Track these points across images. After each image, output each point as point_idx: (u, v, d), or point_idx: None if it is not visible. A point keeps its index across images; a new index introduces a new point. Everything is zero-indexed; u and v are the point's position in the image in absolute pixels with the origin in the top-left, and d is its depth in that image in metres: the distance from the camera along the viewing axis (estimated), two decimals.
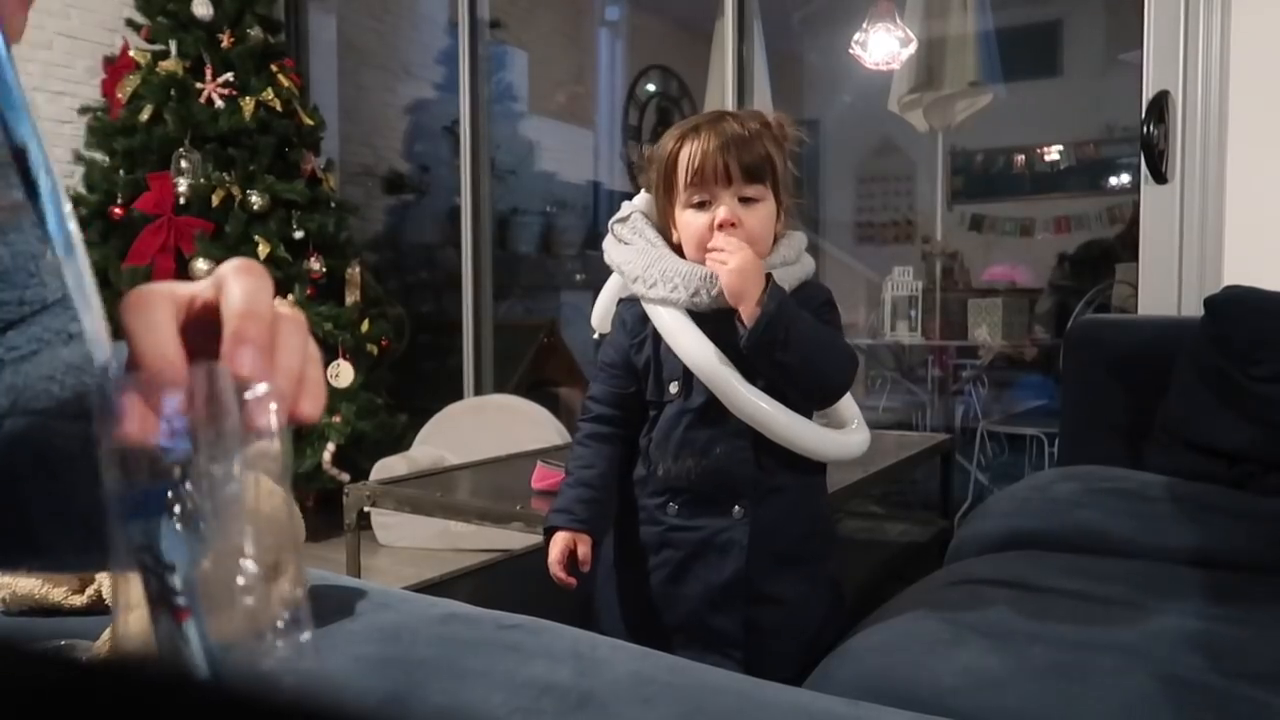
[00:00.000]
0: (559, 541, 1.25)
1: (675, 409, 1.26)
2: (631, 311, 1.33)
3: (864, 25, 3.87)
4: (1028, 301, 4.91)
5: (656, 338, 1.28)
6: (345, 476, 3.07)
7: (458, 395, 3.73)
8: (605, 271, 1.48)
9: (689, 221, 1.26)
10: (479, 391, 3.79)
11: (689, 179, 1.24)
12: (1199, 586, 1.27)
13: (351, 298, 3.43)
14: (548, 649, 0.82)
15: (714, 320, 1.24)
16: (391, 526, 3.22)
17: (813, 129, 6.28)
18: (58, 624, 0.92)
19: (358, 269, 3.48)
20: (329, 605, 0.93)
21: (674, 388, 1.26)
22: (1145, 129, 2.19)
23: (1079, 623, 1.13)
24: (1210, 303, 1.83)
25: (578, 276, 5.54)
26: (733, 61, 3.33)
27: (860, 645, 1.12)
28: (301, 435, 3.19)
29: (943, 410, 4.68)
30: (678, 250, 1.30)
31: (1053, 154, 5.95)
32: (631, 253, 1.31)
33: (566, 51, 6.12)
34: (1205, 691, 0.94)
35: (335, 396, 3.23)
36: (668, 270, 1.26)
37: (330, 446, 3.15)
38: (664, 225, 1.32)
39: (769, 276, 1.20)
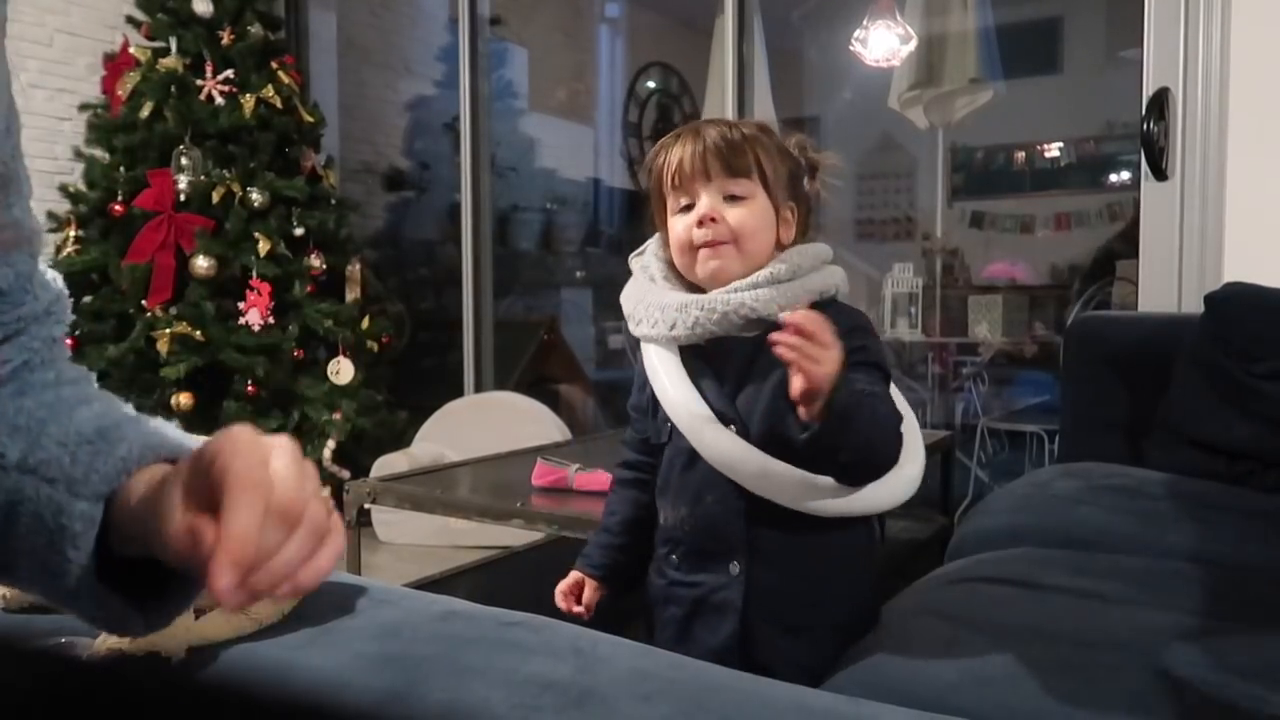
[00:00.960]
0: (573, 575, 1.25)
1: (670, 452, 1.19)
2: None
3: (864, 22, 3.86)
4: (1028, 298, 4.91)
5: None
6: (345, 473, 3.07)
7: (458, 392, 3.73)
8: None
9: (674, 226, 1.17)
10: (479, 388, 3.79)
11: (672, 183, 1.17)
12: (1199, 584, 1.27)
13: (352, 295, 3.43)
14: (548, 646, 0.82)
15: (706, 353, 1.16)
16: (392, 523, 3.22)
17: (813, 126, 6.28)
18: (57, 621, 0.92)
19: (358, 266, 3.48)
20: (329, 602, 0.93)
21: (665, 431, 1.18)
22: (1145, 126, 2.19)
23: (1079, 620, 1.13)
24: (1210, 299, 1.83)
25: (578, 273, 5.54)
26: (733, 58, 3.32)
27: (860, 644, 1.12)
28: (302, 432, 3.19)
29: (943, 407, 4.68)
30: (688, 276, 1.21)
31: (1053, 151, 5.95)
32: (630, 290, 1.24)
33: (567, 48, 6.11)
34: (1205, 688, 0.94)
35: (335, 393, 3.24)
36: (651, 305, 1.18)
37: (330, 443, 3.15)
38: (667, 250, 1.23)
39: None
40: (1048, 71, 5.69)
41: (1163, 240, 2.21)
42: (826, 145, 6.29)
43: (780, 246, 1.17)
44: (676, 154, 1.16)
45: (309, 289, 3.28)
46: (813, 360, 0.96)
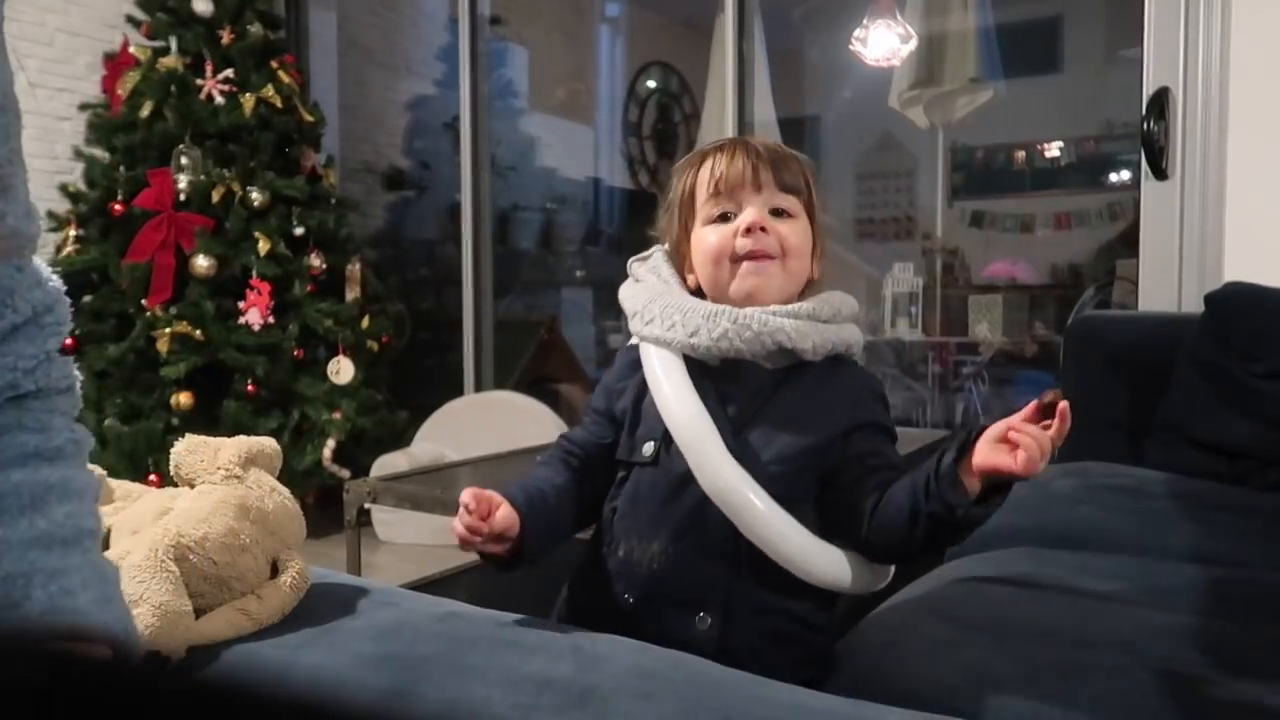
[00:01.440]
0: (491, 493, 1.00)
1: (648, 476, 1.04)
2: (628, 354, 1.13)
3: (864, 21, 3.86)
4: (1028, 298, 4.91)
5: (641, 387, 1.07)
6: (346, 473, 3.07)
7: (458, 392, 3.73)
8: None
9: (705, 236, 1.08)
10: (479, 388, 3.79)
11: (711, 190, 1.07)
12: (1199, 583, 1.27)
13: (352, 294, 3.43)
14: (547, 645, 0.82)
15: (716, 374, 1.05)
16: (392, 523, 3.22)
17: (813, 125, 6.28)
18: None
19: (358, 265, 3.48)
20: (330, 603, 0.93)
21: (648, 449, 1.04)
22: (1145, 125, 2.19)
23: (1079, 620, 1.13)
24: (1210, 299, 1.83)
25: (578, 273, 5.54)
26: (733, 57, 3.33)
27: (860, 643, 1.12)
28: (302, 432, 3.19)
29: (943, 407, 4.68)
30: (696, 295, 1.11)
31: (1053, 150, 5.95)
32: (639, 289, 1.13)
33: (567, 48, 6.11)
34: (1205, 688, 0.94)
35: (336, 393, 3.24)
36: (670, 305, 1.06)
37: (330, 443, 3.15)
38: (681, 269, 1.14)
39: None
40: (1048, 71, 5.69)
41: (1163, 240, 2.21)
42: (827, 145, 6.31)
43: (810, 282, 1.11)
44: (723, 161, 1.08)
45: (309, 288, 3.28)
46: (1045, 452, 0.84)
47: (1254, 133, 2.12)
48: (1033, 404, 0.86)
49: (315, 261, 3.30)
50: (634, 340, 1.12)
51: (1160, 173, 2.19)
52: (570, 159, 5.87)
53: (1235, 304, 1.79)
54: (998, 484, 0.88)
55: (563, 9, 6.05)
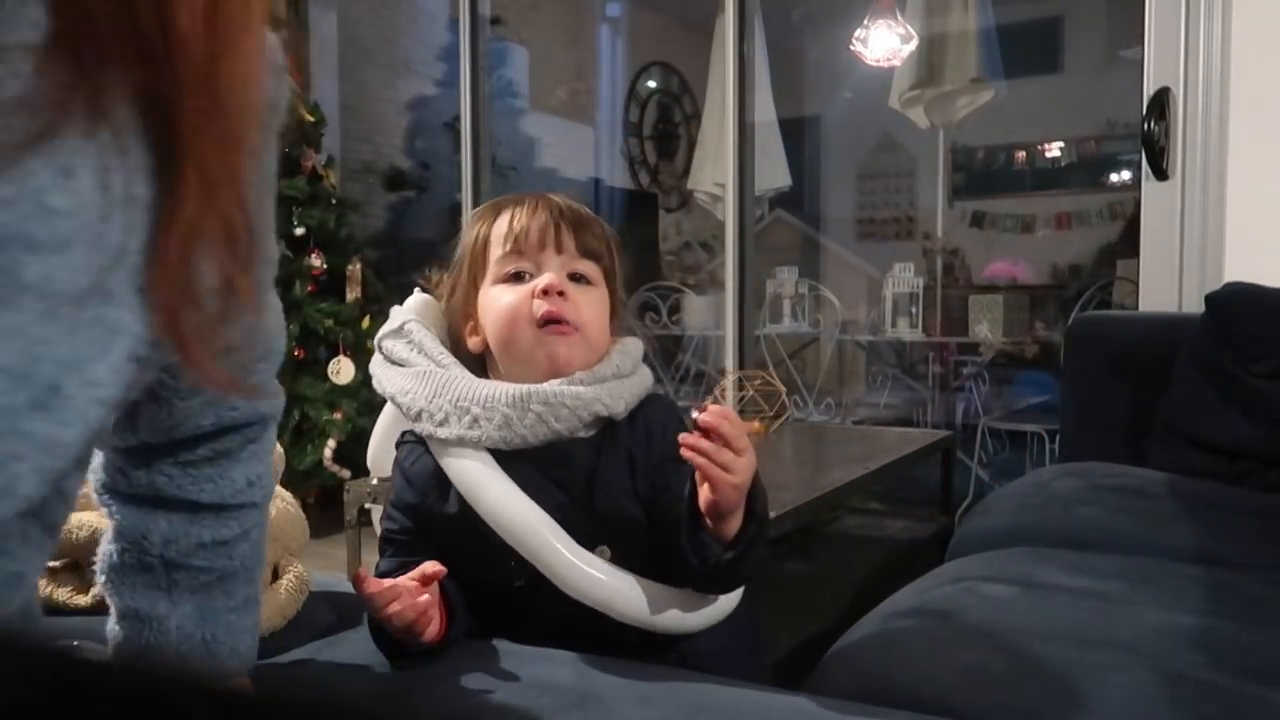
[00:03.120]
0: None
1: (523, 593, 0.92)
2: (416, 458, 0.99)
3: (865, 21, 3.87)
4: (1028, 298, 4.91)
5: (460, 502, 0.94)
6: (346, 473, 3.07)
7: None
8: None
9: (499, 295, 0.99)
10: None
11: (508, 247, 0.99)
12: (1200, 583, 1.27)
13: (352, 294, 3.43)
14: (547, 653, 0.82)
15: (531, 457, 0.95)
16: None
17: (813, 125, 6.28)
18: (58, 624, 0.92)
19: (358, 265, 3.48)
20: (329, 609, 0.93)
21: (515, 575, 0.92)
22: (1146, 125, 2.18)
23: (1080, 620, 1.13)
24: (1211, 299, 1.83)
25: None
26: (733, 57, 3.32)
27: (860, 643, 1.12)
28: (302, 432, 3.19)
29: (943, 407, 4.68)
30: (476, 366, 1.02)
31: (1053, 150, 5.95)
32: (410, 377, 0.99)
33: (567, 48, 6.11)
34: (1206, 688, 0.94)
35: (336, 393, 3.24)
36: (462, 395, 0.95)
37: (331, 443, 3.16)
38: (457, 327, 1.05)
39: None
40: (1048, 71, 5.69)
41: (1163, 240, 2.21)
42: (827, 145, 6.31)
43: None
44: (523, 216, 1.00)
45: (309, 288, 3.28)
46: (725, 468, 0.82)
47: (1254, 133, 2.12)
48: (694, 432, 0.83)
49: (316, 261, 3.31)
50: (406, 431, 1.01)
51: (1161, 173, 2.19)
52: (571, 159, 5.87)
53: (1236, 304, 1.79)
54: (752, 515, 0.87)
55: (563, 9, 6.05)
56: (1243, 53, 2.11)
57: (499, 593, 0.94)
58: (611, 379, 0.98)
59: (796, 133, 5.74)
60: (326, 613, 0.92)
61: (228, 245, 0.50)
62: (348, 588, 0.99)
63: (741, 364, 3.16)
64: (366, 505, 2.01)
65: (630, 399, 0.98)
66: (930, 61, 4.23)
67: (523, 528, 0.90)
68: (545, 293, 0.96)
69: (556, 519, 0.92)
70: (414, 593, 0.81)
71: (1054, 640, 1.05)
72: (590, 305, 0.99)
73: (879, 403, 4.86)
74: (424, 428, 0.96)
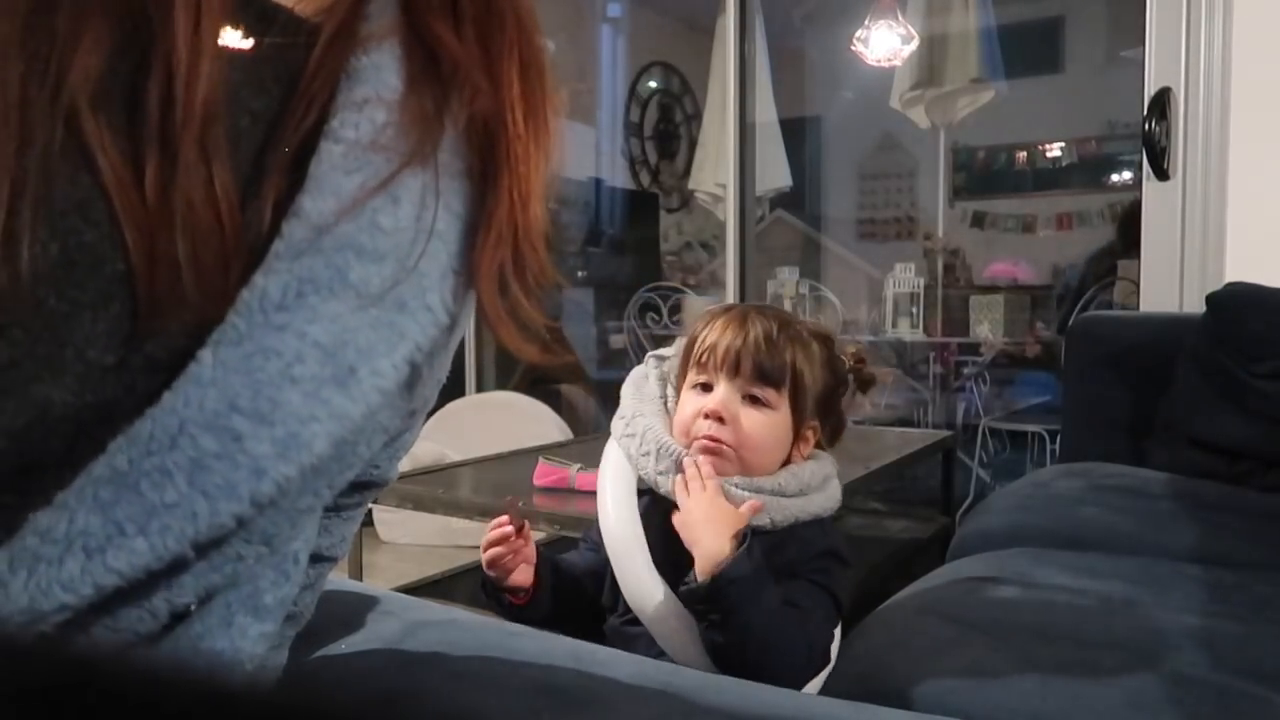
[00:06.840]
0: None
1: (619, 633, 1.05)
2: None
3: (866, 22, 3.87)
4: (1029, 298, 4.91)
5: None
6: None
7: (459, 391, 3.73)
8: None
9: (685, 400, 1.09)
10: (480, 388, 3.79)
11: (698, 358, 1.08)
12: (1201, 583, 1.27)
13: None
14: (547, 652, 0.82)
15: (663, 506, 1.04)
16: (393, 523, 3.22)
17: (814, 125, 6.28)
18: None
19: None
20: (330, 609, 0.93)
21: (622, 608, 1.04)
22: (1147, 125, 2.18)
23: (1079, 620, 1.13)
24: (1212, 299, 1.83)
25: (579, 273, 5.53)
26: (734, 58, 3.33)
27: (860, 644, 1.12)
28: None
29: (944, 407, 4.68)
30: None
31: (1054, 150, 5.94)
32: (639, 391, 1.15)
33: (568, 48, 6.11)
34: (1207, 689, 0.94)
35: None
36: (654, 427, 1.08)
37: None
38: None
39: (747, 534, 0.95)
40: (1049, 71, 5.68)
41: (1164, 240, 2.21)
42: (828, 145, 6.29)
43: (788, 463, 1.09)
44: (714, 335, 1.08)
45: None
46: (685, 495, 0.97)
47: (1255, 133, 2.12)
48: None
49: None
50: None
51: (1162, 173, 2.19)
52: (571, 159, 5.86)
53: (1236, 304, 1.79)
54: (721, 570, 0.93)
55: (563, 9, 6.05)
56: (1243, 53, 2.11)
57: (611, 629, 1.06)
58: (769, 494, 1.03)
59: (797, 133, 5.74)
60: (327, 613, 0.92)
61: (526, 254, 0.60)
62: (348, 588, 0.99)
63: None
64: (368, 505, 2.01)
65: (782, 519, 1.03)
66: (931, 61, 4.23)
67: (615, 532, 1.02)
68: (707, 415, 1.05)
69: (657, 559, 1.01)
70: (514, 537, 1.03)
71: (1054, 640, 1.05)
72: (757, 427, 1.05)
73: (880, 403, 4.86)
74: (616, 427, 1.12)
